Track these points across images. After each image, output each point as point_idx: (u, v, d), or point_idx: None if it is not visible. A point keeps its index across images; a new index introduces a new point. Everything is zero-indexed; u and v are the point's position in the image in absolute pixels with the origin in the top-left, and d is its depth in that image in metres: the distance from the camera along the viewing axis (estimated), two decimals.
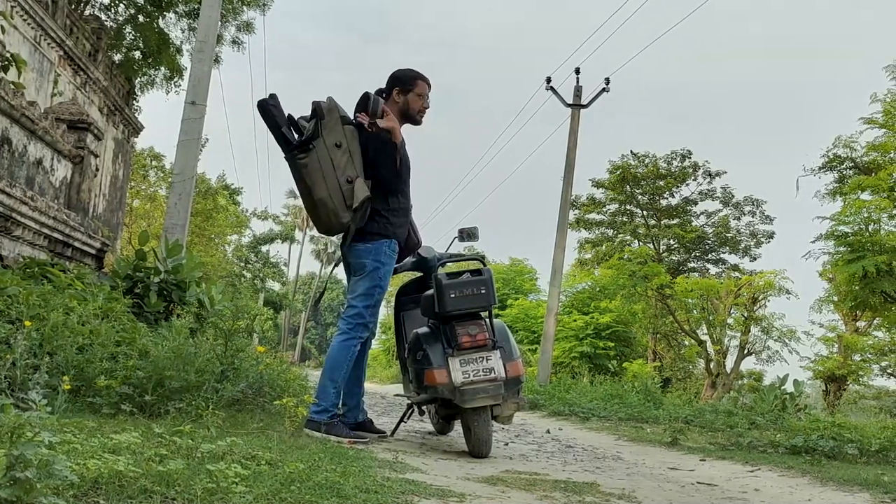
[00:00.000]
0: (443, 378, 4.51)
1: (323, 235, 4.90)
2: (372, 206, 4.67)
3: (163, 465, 2.57)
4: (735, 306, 18.97)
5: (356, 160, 4.62)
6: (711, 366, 19.41)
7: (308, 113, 4.73)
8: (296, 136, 4.67)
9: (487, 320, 4.69)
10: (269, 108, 4.66)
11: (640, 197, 26.61)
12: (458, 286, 4.60)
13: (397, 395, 6.12)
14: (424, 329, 4.88)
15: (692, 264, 27.41)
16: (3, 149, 8.16)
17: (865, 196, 14.88)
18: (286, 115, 4.71)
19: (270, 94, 4.71)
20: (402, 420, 5.54)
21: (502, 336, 4.72)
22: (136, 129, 18.31)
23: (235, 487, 2.47)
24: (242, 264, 37.14)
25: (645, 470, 4.75)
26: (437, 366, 4.54)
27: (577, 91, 16.98)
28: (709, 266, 27.48)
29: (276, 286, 45.97)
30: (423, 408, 5.38)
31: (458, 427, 5.70)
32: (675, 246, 26.99)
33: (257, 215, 37.43)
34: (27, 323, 4.38)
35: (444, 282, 4.61)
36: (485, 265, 4.87)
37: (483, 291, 4.61)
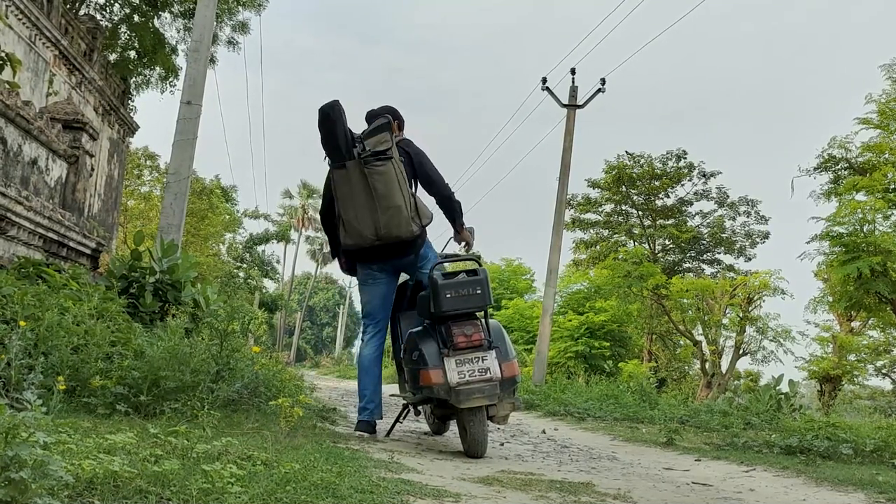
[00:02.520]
0: (438, 378, 4.51)
1: (352, 245, 5.05)
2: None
3: (158, 466, 2.57)
4: (730, 306, 19.00)
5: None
6: (707, 366, 19.44)
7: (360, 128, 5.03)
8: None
9: (483, 320, 4.69)
10: (336, 114, 4.85)
11: (635, 197, 26.63)
12: (453, 286, 4.62)
13: (393, 395, 6.11)
14: (420, 329, 4.88)
15: (687, 264, 27.43)
16: None
17: (860, 197, 14.93)
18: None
19: (335, 101, 4.91)
20: (397, 420, 5.54)
21: (498, 336, 4.71)
22: (132, 128, 18.26)
23: (231, 488, 2.47)
24: (238, 264, 37.04)
25: (640, 470, 4.76)
26: (432, 366, 4.55)
27: (573, 91, 16.99)
28: (704, 266, 27.51)
29: (271, 285, 45.85)
30: (419, 408, 5.39)
31: (453, 427, 5.70)
32: (671, 246, 27.01)
33: (249, 215, 37.32)
34: (22, 323, 4.37)
35: (439, 282, 4.63)
36: (480, 265, 4.90)
37: (479, 292, 4.63)
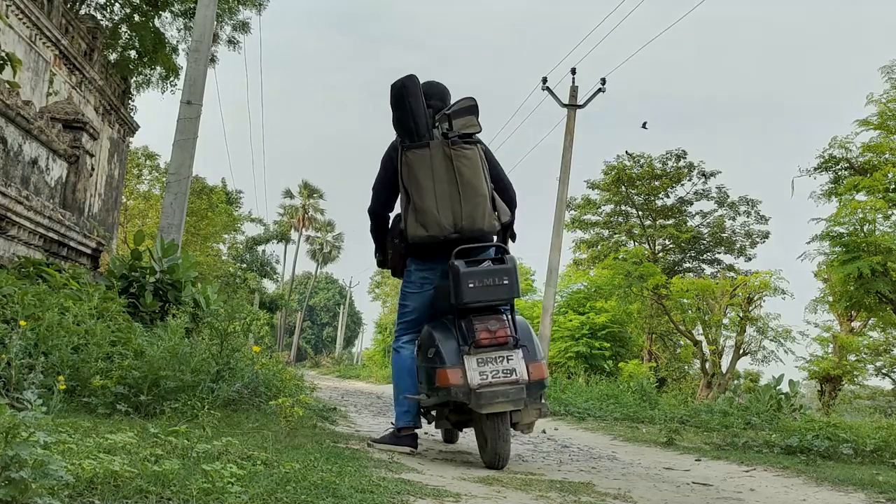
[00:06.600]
0: (457, 379, 4.03)
1: (425, 236, 4.39)
2: None
3: (158, 466, 2.56)
4: (730, 306, 18.99)
5: None
6: (707, 366, 19.43)
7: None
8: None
9: (509, 315, 4.22)
10: (415, 88, 4.41)
11: (635, 197, 26.62)
12: (477, 275, 4.13)
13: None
14: (437, 322, 4.39)
15: (687, 264, 27.43)
16: None
17: (861, 197, 14.94)
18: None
19: (411, 75, 4.46)
20: None
21: (525, 334, 4.23)
22: (132, 128, 18.27)
23: (231, 487, 2.47)
24: (238, 264, 37.09)
25: (640, 470, 4.76)
26: (450, 365, 4.06)
27: (573, 91, 17.01)
28: (704, 266, 27.51)
29: (271, 286, 45.92)
30: (432, 412, 4.75)
31: (462, 433, 5.67)
32: (671, 246, 27.01)
33: (252, 220, 37.44)
34: (22, 323, 4.37)
35: (462, 270, 4.13)
36: (507, 252, 4.38)
37: (506, 282, 4.15)
